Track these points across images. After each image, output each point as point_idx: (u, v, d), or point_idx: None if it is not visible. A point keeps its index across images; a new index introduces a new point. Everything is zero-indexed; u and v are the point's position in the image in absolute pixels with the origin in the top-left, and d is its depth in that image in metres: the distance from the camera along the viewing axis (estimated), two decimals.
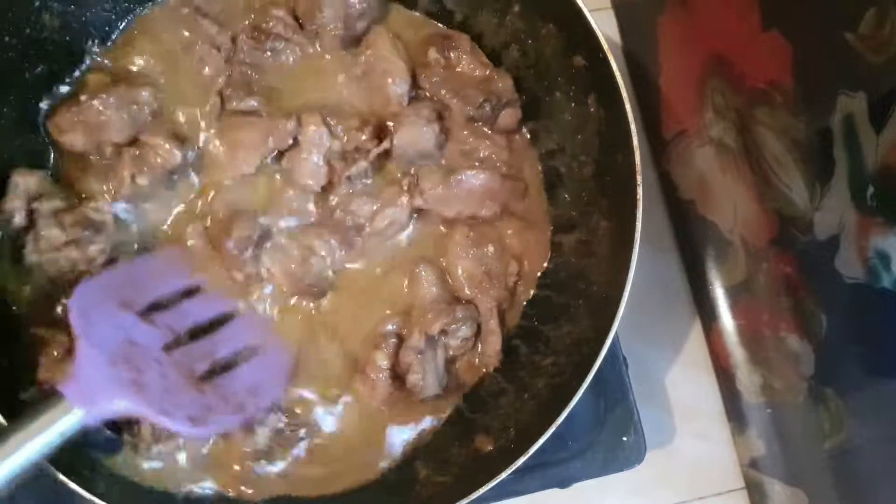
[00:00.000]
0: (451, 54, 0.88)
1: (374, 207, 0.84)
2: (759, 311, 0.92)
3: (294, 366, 0.82)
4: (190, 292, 0.81)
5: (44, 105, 0.82)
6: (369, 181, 0.85)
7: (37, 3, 0.78)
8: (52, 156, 0.82)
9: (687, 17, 0.94)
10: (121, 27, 0.86)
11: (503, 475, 0.71)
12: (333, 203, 0.84)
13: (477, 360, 0.85)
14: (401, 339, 0.81)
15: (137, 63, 0.85)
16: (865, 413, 0.79)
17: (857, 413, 0.80)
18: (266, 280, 0.82)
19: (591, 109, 0.82)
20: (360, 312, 0.84)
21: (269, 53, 0.86)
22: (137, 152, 0.80)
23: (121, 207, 0.81)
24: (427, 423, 0.83)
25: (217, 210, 0.83)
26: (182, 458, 0.78)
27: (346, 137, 0.83)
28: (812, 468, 0.89)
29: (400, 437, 0.83)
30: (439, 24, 0.91)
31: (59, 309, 0.78)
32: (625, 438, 0.87)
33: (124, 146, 0.80)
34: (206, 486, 0.79)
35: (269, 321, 0.83)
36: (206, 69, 0.84)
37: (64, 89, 0.83)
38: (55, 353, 0.75)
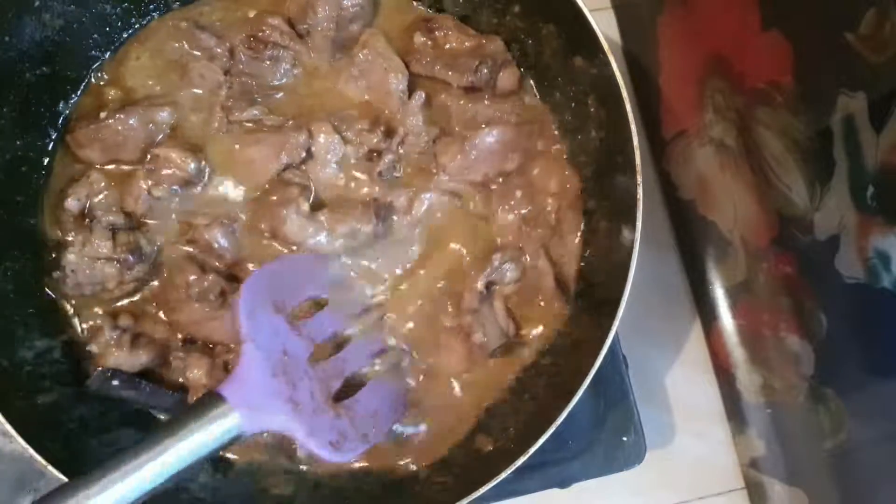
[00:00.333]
0: (437, 33, 0.89)
1: (410, 195, 0.85)
2: (759, 311, 0.92)
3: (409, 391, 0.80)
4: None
5: (53, 109, 0.83)
6: (399, 174, 0.86)
7: (37, 3, 0.78)
8: (55, 157, 0.83)
9: (687, 17, 0.94)
10: (122, 38, 0.87)
11: (503, 475, 0.71)
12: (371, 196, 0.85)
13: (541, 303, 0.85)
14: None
15: (139, 75, 0.86)
16: (865, 413, 0.79)
17: (857, 413, 0.80)
18: None
19: (592, 110, 0.82)
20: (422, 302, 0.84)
21: (267, 62, 0.86)
22: (152, 166, 0.81)
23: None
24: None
25: None
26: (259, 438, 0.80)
27: (358, 140, 0.84)
28: (812, 468, 0.89)
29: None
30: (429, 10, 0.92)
31: None
32: (625, 438, 0.87)
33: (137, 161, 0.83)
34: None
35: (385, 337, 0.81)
36: (207, 82, 0.85)
37: (70, 94, 0.84)
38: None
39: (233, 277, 0.82)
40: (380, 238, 0.84)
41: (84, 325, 0.80)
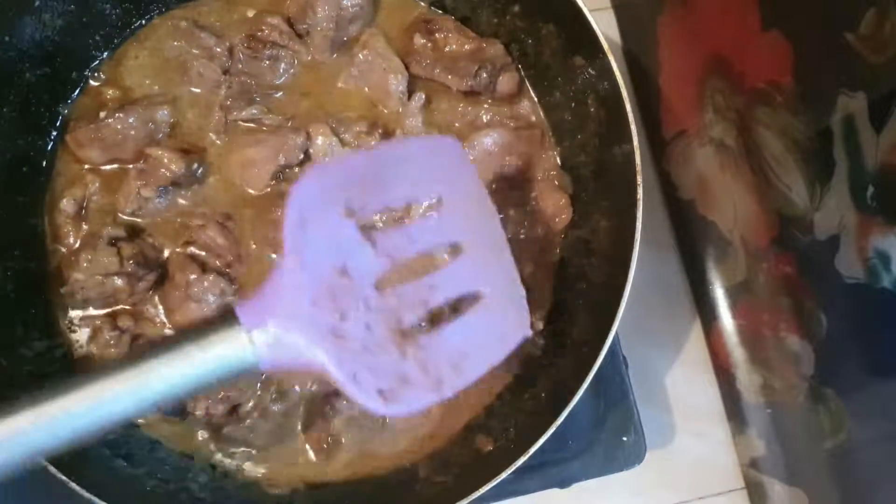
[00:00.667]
0: (437, 35, 0.89)
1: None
2: (759, 311, 0.92)
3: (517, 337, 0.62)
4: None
5: (53, 109, 0.83)
6: None
7: (37, 3, 0.78)
8: (55, 157, 0.83)
9: (687, 17, 0.94)
10: (121, 38, 0.87)
11: (503, 475, 0.71)
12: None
13: None
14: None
15: (137, 74, 0.86)
16: (865, 413, 0.79)
17: (857, 413, 0.80)
18: None
19: (591, 109, 0.82)
20: None
21: (266, 62, 0.86)
22: (143, 166, 0.81)
23: None
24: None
25: None
26: (257, 440, 0.80)
27: (356, 143, 0.84)
28: (812, 468, 0.89)
29: None
30: (432, 7, 0.92)
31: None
32: (625, 438, 0.87)
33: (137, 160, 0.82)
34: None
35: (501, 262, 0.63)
36: (206, 81, 0.85)
37: (70, 93, 0.84)
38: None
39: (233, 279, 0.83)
40: None
41: (84, 326, 0.80)
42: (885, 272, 0.70)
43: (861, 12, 0.65)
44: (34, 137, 0.82)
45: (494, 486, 0.71)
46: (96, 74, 0.86)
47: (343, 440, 0.82)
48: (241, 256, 0.83)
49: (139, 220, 0.83)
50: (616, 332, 0.74)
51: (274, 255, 0.83)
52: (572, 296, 0.85)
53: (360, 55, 0.86)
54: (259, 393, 0.80)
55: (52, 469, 0.68)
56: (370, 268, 0.58)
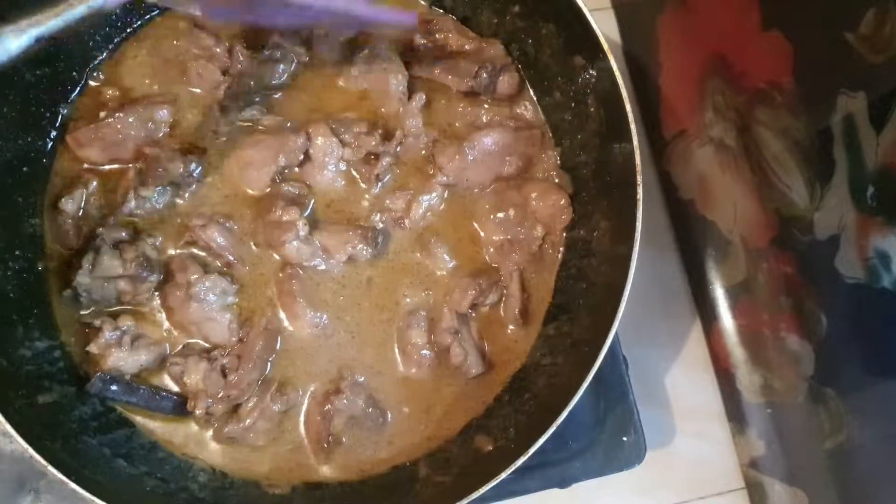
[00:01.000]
0: (438, 36, 0.89)
1: (408, 198, 0.85)
2: (759, 311, 0.92)
3: None
4: None
5: (53, 109, 0.83)
6: (396, 172, 0.86)
7: None
8: (55, 157, 0.84)
9: (687, 17, 0.94)
10: (121, 38, 0.87)
11: (503, 475, 0.71)
12: (367, 203, 0.86)
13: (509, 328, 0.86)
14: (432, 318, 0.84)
15: (137, 73, 0.87)
16: (865, 413, 0.79)
17: (857, 413, 0.80)
18: None
19: (591, 109, 0.82)
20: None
21: (266, 62, 0.86)
22: (142, 165, 0.82)
23: None
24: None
25: None
26: (257, 440, 0.80)
27: (356, 143, 0.84)
28: (812, 468, 0.89)
29: None
30: (433, 7, 0.92)
31: None
32: (625, 438, 0.87)
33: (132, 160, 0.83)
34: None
35: None
36: (206, 81, 0.85)
37: (70, 94, 0.84)
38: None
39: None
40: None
41: (84, 326, 0.80)
42: (885, 272, 0.70)
43: (861, 12, 0.65)
44: (34, 137, 0.82)
45: (494, 486, 0.71)
46: (96, 74, 0.86)
47: (343, 440, 0.82)
48: (242, 257, 0.83)
49: (137, 219, 0.83)
50: (616, 332, 0.74)
51: (276, 256, 0.83)
52: (572, 296, 0.85)
53: (360, 55, 0.86)
54: (259, 393, 0.80)
55: (52, 469, 0.68)
56: None
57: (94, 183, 0.83)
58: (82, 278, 0.77)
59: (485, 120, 0.88)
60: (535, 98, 0.90)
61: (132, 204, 0.81)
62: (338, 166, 0.85)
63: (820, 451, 0.85)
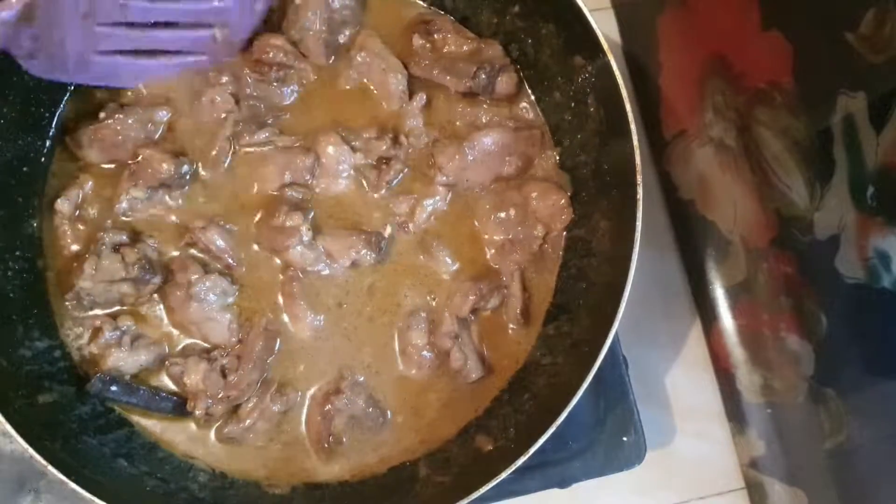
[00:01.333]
0: (436, 36, 0.89)
1: (412, 202, 0.85)
2: (759, 311, 0.92)
3: None
4: None
5: (53, 109, 0.83)
6: (403, 174, 0.86)
7: None
8: (54, 158, 0.84)
9: (687, 17, 0.94)
10: None
11: (503, 475, 0.71)
12: (373, 208, 0.86)
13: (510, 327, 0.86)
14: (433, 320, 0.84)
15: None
16: (865, 413, 0.79)
17: (857, 413, 0.80)
18: None
19: (591, 109, 0.82)
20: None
21: (274, 84, 0.86)
22: (135, 167, 0.82)
23: None
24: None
25: None
26: (257, 440, 0.80)
27: (366, 148, 0.84)
28: (812, 468, 0.89)
29: None
30: (431, 7, 0.92)
31: None
32: (625, 438, 0.87)
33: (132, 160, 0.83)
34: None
35: None
36: (217, 111, 0.84)
37: (70, 94, 0.84)
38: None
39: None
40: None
41: (84, 326, 0.80)
42: (885, 272, 0.70)
43: (861, 12, 0.65)
44: (34, 137, 0.82)
45: (494, 486, 0.71)
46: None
47: (343, 440, 0.82)
48: (241, 259, 0.83)
49: (129, 218, 0.83)
50: (616, 332, 0.74)
51: (277, 260, 0.83)
52: (572, 296, 0.85)
53: (357, 57, 0.86)
54: (259, 393, 0.80)
55: (52, 469, 0.68)
56: None
57: (90, 183, 0.82)
58: (85, 283, 0.78)
59: (484, 120, 0.88)
60: (534, 98, 0.90)
61: (124, 205, 0.82)
62: (350, 173, 0.85)
63: (820, 451, 0.85)
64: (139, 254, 0.79)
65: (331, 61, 0.88)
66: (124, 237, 0.80)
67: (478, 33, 0.91)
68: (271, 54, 0.85)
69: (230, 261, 0.82)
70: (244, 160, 0.85)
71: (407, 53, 0.88)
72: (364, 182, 0.86)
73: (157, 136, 0.84)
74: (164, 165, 0.81)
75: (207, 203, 0.84)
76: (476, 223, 0.87)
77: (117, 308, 0.81)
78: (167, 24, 0.81)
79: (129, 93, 0.85)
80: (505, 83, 0.87)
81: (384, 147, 0.84)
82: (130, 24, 0.80)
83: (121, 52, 0.82)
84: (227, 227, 0.83)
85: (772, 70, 0.79)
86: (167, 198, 0.83)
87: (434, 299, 0.85)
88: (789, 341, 0.86)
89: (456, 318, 0.82)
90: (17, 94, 0.79)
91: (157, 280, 0.80)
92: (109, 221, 0.81)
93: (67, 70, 0.81)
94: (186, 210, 0.84)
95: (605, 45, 0.76)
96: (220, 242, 0.82)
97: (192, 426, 0.81)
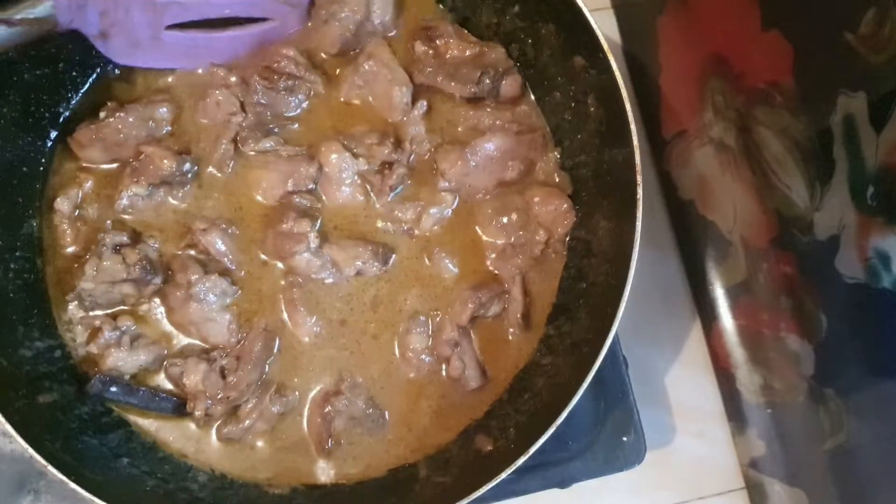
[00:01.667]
0: (438, 42, 0.89)
1: (418, 209, 0.85)
2: (759, 311, 0.92)
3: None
4: None
5: (53, 109, 0.83)
6: (408, 183, 0.86)
7: None
8: (54, 158, 0.84)
9: (687, 17, 0.94)
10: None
11: (503, 475, 0.71)
12: (377, 215, 0.86)
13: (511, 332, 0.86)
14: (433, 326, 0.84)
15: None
16: (865, 413, 0.79)
17: (857, 413, 0.79)
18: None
19: (591, 109, 0.82)
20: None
21: (282, 93, 0.86)
22: (136, 164, 0.82)
23: None
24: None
25: None
26: (256, 441, 0.81)
27: (369, 154, 0.84)
28: (812, 468, 0.89)
29: None
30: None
31: None
32: (625, 438, 0.87)
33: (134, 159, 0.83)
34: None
35: None
36: (222, 113, 0.85)
37: (70, 94, 0.84)
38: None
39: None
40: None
41: (84, 326, 0.80)
42: (885, 272, 0.70)
43: (861, 12, 0.65)
44: (34, 137, 0.82)
45: (494, 486, 0.71)
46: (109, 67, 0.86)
47: (343, 440, 0.82)
48: (241, 263, 0.83)
49: (130, 216, 0.83)
50: (616, 332, 0.74)
51: (279, 265, 0.83)
52: (572, 296, 0.85)
53: (364, 65, 0.86)
54: (258, 394, 0.80)
55: (52, 469, 0.68)
56: None
57: (90, 182, 0.82)
58: (86, 284, 0.78)
59: (486, 123, 0.88)
60: (535, 98, 0.90)
61: (125, 201, 0.82)
62: (353, 180, 0.85)
63: (820, 451, 0.85)
64: (140, 254, 0.79)
65: (335, 56, 0.88)
66: (125, 238, 0.80)
67: (478, 34, 0.91)
68: (282, 63, 0.85)
69: (229, 265, 0.82)
70: (248, 164, 0.85)
71: (410, 61, 0.88)
72: (368, 188, 0.86)
73: (159, 135, 0.84)
74: (166, 162, 0.81)
75: (209, 204, 0.84)
76: (478, 228, 0.87)
77: (118, 308, 0.81)
78: None
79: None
80: (509, 86, 0.87)
81: (386, 152, 0.84)
82: None
83: (189, 27, 0.83)
84: (230, 230, 0.83)
85: (772, 70, 0.79)
86: (168, 196, 0.84)
87: (434, 304, 0.85)
88: (789, 341, 0.86)
89: (456, 327, 0.82)
90: (17, 94, 0.79)
91: (157, 280, 0.80)
92: (110, 222, 0.81)
93: (143, 50, 0.82)
94: (187, 209, 0.84)
95: (605, 45, 0.76)
96: (221, 246, 0.82)
97: (192, 426, 0.81)
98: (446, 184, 0.86)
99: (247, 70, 0.85)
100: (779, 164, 0.82)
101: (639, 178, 0.75)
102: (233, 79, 0.84)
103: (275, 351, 0.82)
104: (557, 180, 0.88)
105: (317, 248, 0.82)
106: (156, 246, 0.82)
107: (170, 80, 0.87)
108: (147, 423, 0.81)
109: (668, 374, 1.02)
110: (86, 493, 0.69)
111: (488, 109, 0.89)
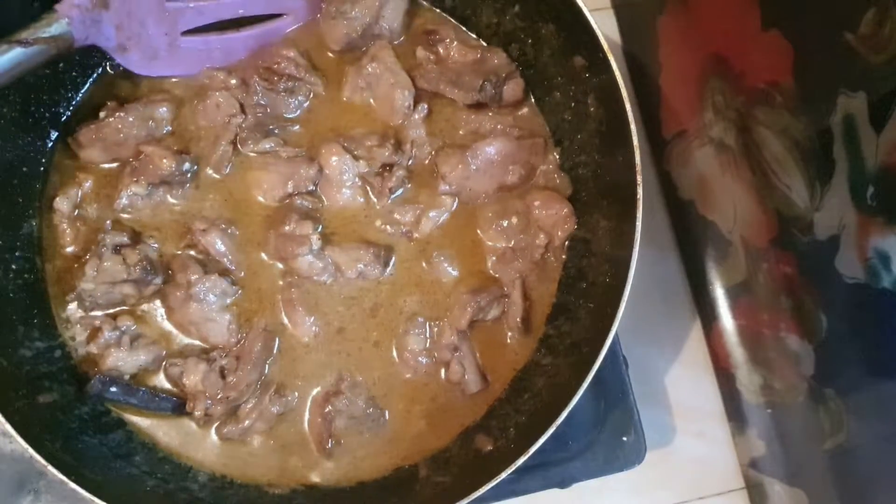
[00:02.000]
0: (439, 48, 0.89)
1: (417, 212, 0.85)
2: (759, 311, 0.92)
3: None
4: None
5: (53, 109, 0.83)
6: (408, 185, 0.86)
7: (36, 4, 0.78)
8: (54, 158, 0.84)
9: (687, 17, 0.94)
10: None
11: (503, 475, 0.71)
12: (377, 217, 0.86)
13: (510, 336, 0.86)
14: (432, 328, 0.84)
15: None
16: (865, 413, 0.79)
17: (857, 413, 0.79)
18: None
19: (591, 109, 0.82)
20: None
21: (283, 94, 0.86)
22: (136, 164, 0.82)
23: None
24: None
25: None
26: (256, 441, 0.81)
27: (369, 156, 0.84)
28: (812, 468, 0.89)
29: None
30: (436, 9, 0.92)
31: None
32: (625, 438, 0.87)
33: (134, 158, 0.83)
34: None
35: None
36: (222, 115, 0.85)
37: (70, 95, 0.84)
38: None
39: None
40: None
41: (84, 326, 0.80)
42: (885, 272, 0.70)
43: (861, 12, 0.65)
44: (34, 137, 0.82)
45: (494, 486, 0.71)
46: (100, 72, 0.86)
47: (344, 441, 0.82)
48: (240, 263, 0.83)
49: (129, 216, 0.83)
50: (616, 332, 0.74)
51: (279, 265, 0.83)
52: (572, 296, 0.85)
53: (368, 67, 0.86)
54: (258, 394, 0.80)
55: (52, 469, 0.68)
56: None
57: (90, 182, 0.82)
58: (87, 284, 0.78)
59: (487, 127, 0.88)
60: (535, 98, 0.90)
61: (125, 200, 0.82)
62: (354, 182, 0.85)
63: (820, 451, 0.85)
64: (140, 255, 0.79)
65: (339, 48, 0.88)
66: (125, 238, 0.80)
67: (478, 34, 0.91)
68: (282, 65, 0.85)
69: (229, 265, 0.82)
70: (248, 165, 0.85)
71: (412, 66, 0.88)
72: (368, 189, 0.86)
73: (159, 134, 0.84)
74: (166, 162, 0.81)
75: (208, 204, 0.84)
76: (478, 231, 0.87)
77: (118, 308, 0.81)
78: None
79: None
80: (511, 90, 0.87)
81: (386, 153, 0.84)
82: None
83: (204, 31, 0.83)
84: (230, 230, 0.83)
85: (772, 70, 0.79)
86: (168, 196, 0.83)
87: (434, 308, 0.85)
88: (789, 341, 0.86)
89: (455, 331, 0.82)
90: (17, 94, 0.79)
91: (158, 281, 0.80)
92: (109, 222, 0.81)
93: (162, 60, 0.83)
94: (187, 209, 0.84)
95: (605, 45, 0.76)
96: (220, 246, 0.82)
97: (192, 426, 0.81)
98: (447, 187, 0.85)
99: (247, 71, 0.85)
100: (779, 164, 0.82)
101: (639, 178, 0.75)
102: (233, 81, 0.84)
103: (275, 351, 0.82)
104: (557, 181, 0.88)
105: (319, 251, 0.81)
106: (156, 246, 0.82)
107: (173, 79, 0.86)
108: (147, 423, 0.81)
109: (668, 374, 1.02)
110: (86, 493, 0.68)
111: (490, 114, 0.89)
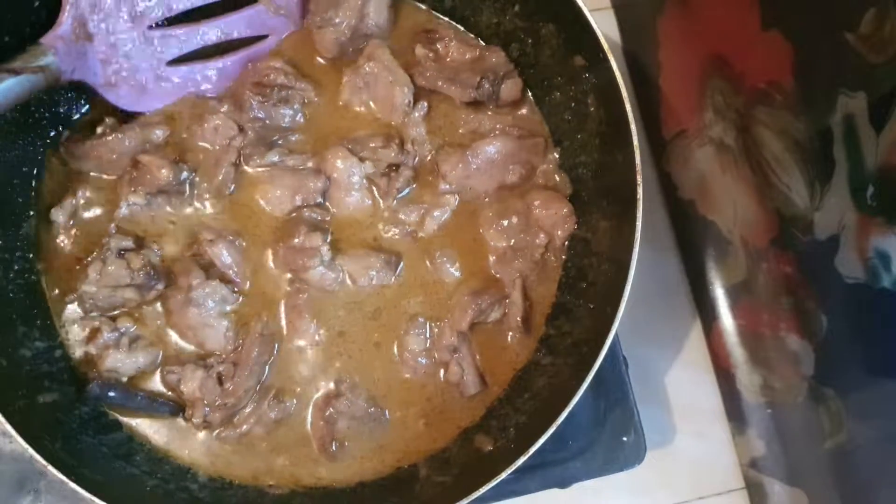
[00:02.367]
0: (438, 46, 0.89)
1: (422, 212, 0.85)
2: (759, 311, 0.92)
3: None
4: None
5: (53, 110, 0.83)
6: (414, 185, 0.86)
7: (36, 4, 0.78)
8: (55, 158, 0.84)
9: (687, 17, 0.94)
10: None
11: (503, 475, 0.71)
12: (381, 219, 0.86)
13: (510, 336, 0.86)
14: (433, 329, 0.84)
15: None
16: (865, 413, 0.79)
17: (857, 413, 0.79)
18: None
19: (591, 109, 0.82)
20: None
21: (277, 105, 0.86)
22: (135, 173, 0.82)
23: None
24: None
25: None
26: (255, 444, 0.81)
27: (375, 157, 0.84)
28: (812, 468, 0.89)
29: None
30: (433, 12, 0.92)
31: None
32: (625, 438, 0.87)
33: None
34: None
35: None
36: (221, 137, 0.84)
37: (70, 95, 0.84)
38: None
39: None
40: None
41: (84, 327, 0.80)
42: (885, 272, 0.70)
43: (861, 12, 0.65)
44: (34, 137, 0.82)
45: (494, 486, 0.71)
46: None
47: (346, 443, 0.81)
48: (246, 275, 0.83)
49: (128, 223, 0.82)
50: (616, 332, 0.74)
51: (287, 275, 0.83)
52: (572, 296, 0.85)
53: (365, 67, 0.86)
54: (257, 399, 0.80)
55: (52, 469, 0.68)
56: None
57: (87, 192, 0.83)
58: (89, 287, 0.77)
59: (487, 126, 0.88)
60: (535, 98, 0.90)
61: (125, 210, 0.82)
62: (362, 184, 0.85)
63: (820, 451, 0.85)
64: (144, 259, 0.79)
65: (335, 59, 0.88)
66: (130, 243, 0.80)
67: (477, 34, 0.91)
68: (271, 76, 0.85)
69: (234, 277, 0.82)
70: (255, 180, 0.85)
71: (410, 64, 0.88)
72: (375, 190, 0.86)
73: (156, 142, 0.84)
74: (164, 172, 0.81)
75: (209, 213, 0.84)
76: (480, 229, 0.87)
77: (118, 311, 0.81)
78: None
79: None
80: (509, 90, 0.87)
81: (392, 154, 0.84)
82: (180, 21, 0.83)
83: (189, 60, 0.84)
84: (237, 242, 0.83)
85: (772, 70, 0.79)
86: (167, 206, 0.83)
87: (436, 309, 0.85)
88: (789, 341, 0.86)
89: (455, 333, 0.82)
90: None
91: (160, 286, 0.80)
92: (114, 226, 0.81)
93: (149, 94, 0.83)
94: (188, 220, 0.84)
95: (605, 45, 0.76)
96: (227, 258, 0.81)
97: (191, 429, 0.81)
98: (447, 186, 0.86)
99: (238, 89, 0.85)
100: (779, 164, 0.82)
101: (639, 178, 0.75)
102: (224, 108, 0.84)
103: (273, 355, 0.82)
104: (557, 181, 0.88)
105: (330, 261, 0.81)
106: (159, 252, 0.82)
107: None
108: (146, 425, 0.81)
109: (668, 374, 1.02)
110: (86, 493, 0.69)
111: (489, 113, 0.89)
